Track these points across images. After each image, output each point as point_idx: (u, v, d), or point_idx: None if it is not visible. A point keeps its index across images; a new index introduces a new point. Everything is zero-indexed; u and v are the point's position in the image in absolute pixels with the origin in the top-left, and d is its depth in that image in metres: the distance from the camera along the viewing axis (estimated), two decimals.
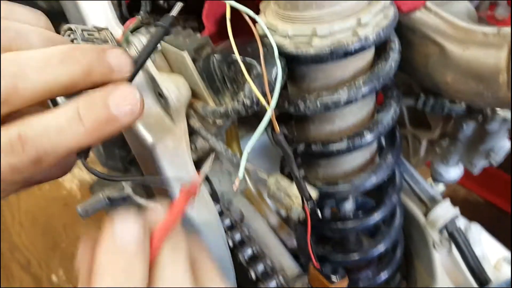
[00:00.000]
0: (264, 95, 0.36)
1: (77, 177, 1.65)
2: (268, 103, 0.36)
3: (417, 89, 0.57)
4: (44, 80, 0.26)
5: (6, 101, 0.25)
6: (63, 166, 0.33)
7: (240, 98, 0.37)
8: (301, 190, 0.39)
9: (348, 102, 0.40)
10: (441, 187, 0.77)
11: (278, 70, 0.36)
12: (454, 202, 0.58)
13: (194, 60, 0.42)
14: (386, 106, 0.46)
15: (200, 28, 0.49)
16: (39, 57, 0.26)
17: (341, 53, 0.38)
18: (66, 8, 0.62)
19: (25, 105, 0.26)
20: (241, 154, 0.62)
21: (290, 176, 0.45)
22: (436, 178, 0.67)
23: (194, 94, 0.43)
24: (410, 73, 0.49)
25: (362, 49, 0.38)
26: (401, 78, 0.52)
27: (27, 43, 0.28)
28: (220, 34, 0.47)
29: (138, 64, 0.31)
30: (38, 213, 1.60)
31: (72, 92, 0.27)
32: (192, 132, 0.46)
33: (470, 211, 0.64)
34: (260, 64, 0.37)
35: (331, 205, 0.52)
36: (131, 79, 0.30)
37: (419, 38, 0.46)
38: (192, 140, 0.48)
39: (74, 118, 0.26)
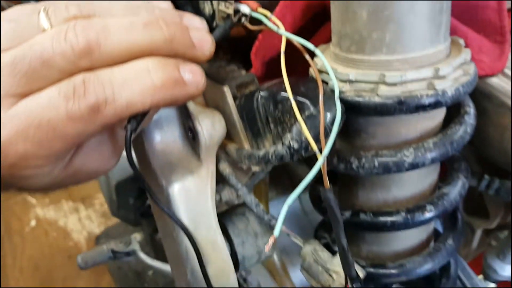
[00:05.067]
0: (316, 140, 0.30)
1: (87, 228, 1.57)
2: (321, 150, 0.29)
3: (477, 168, 0.50)
4: (126, 40, 0.26)
5: (87, 54, 0.25)
6: (111, 153, 0.31)
7: (286, 140, 0.31)
8: (347, 267, 0.31)
9: (414, 166, 0.34)
10: (492, 285, 0.66)
11: (337, 112, 0.30)
12: None
13: (234, 98, 0.36)
14: (454, 179, 0.38)
15: (246, 69, 0.44)
16: (124, 21, 0.26)
17: (412, 106, 0.32)
18: None
19: (104, 63, 0.26)
20: None
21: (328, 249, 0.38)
22: (488, 275, 0.56)
23: (228, 136, 0.37)
24: (479, 146, 0.43)
25: (437, 104, 0.32)
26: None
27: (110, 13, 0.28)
28: (267, 77, 0.42)
29: None
30: (40, 261, 1.50)
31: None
32: (218, 181, 0.39)
33: None
34: (314, 105, 0.31)
35: None
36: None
37: (495, 107, 0.40)
38: (217, 190, 0.41)
39: (143, 70, 0.26)
